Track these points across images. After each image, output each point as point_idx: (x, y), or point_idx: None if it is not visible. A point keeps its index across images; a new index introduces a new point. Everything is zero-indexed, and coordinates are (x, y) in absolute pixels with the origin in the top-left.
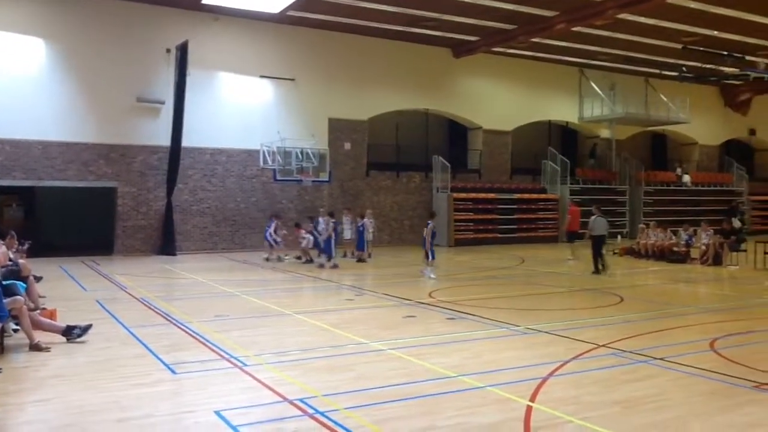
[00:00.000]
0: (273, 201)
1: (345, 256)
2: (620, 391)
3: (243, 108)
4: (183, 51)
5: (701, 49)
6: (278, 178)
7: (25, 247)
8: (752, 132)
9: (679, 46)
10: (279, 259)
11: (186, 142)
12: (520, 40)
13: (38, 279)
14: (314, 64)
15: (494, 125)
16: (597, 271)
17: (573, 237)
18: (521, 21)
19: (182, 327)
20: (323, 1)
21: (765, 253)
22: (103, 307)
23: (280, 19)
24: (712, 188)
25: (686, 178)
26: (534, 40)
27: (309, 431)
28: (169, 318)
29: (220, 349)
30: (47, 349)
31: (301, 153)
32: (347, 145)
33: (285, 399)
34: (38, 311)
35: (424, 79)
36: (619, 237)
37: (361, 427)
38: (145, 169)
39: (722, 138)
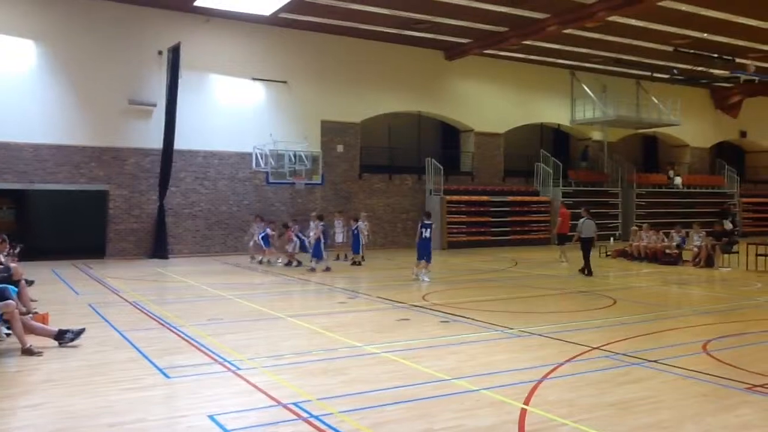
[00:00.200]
0: (266, 204)
1: (338, 258)
2: (614, 393)
3: (235, 110)
4: (175, 53)
5: (692, 51)
6: (271, 180)
7: (17, 250)
8: (743, 134)
9: (670, 49)
10: (269, 263)
11: (178, 144)
12: (512, 42)
13: (30, 283)
14: (307, 67)
15: (487, 127)
16: (590, 273)
17: (563, 239)
18: (513, 23)
19: (175, 331)
20: (315, 4)
21: (757, 254)
22: (96, 310)
23: (273, 21)
24: (703, 190)
25: (678, 180)
26: (526, 42)
27: None
28: (162, 322)
29: (214, 353)
30: (39, 354)
31: (294, 156)
32: (340, 148)
33: (279, 403)
34: (30, 315)
35: (417, 82)
36: (611, 239)
37: (356, 430)
38: (137, 172)
39: (713, 140)
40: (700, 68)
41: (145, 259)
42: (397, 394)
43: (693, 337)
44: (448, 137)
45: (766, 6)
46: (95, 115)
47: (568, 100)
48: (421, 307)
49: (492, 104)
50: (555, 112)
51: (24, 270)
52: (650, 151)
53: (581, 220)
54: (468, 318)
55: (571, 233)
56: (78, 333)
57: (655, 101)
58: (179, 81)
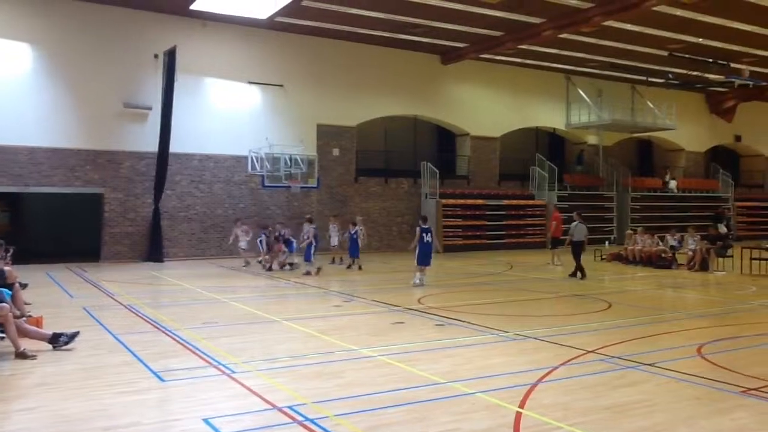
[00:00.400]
0: (261, 207)
1: (333, 262)
2: (609, 396)
3: (231, 114)
4: (171, 56)
5: (687, 56)
6: (267, 184)
7: (11, 253)
8: (738, 138)
9: (665, 53)
10: (254, 264)
11: (174, 147)
12: (508, 46)
13: (24, 286)
14: (303, 70)
15: (482, 131)
16: (583, 276)
17: (556, 243)
18: (509, 28)
19: (170, 334)
20: (311, 8)
21: (751, 258)
22: (90, 314)
23: (269, 25)
24: (698, 194)
25: (673, 184)
26: (521, 46)
27: None
28: (156, 325)
29: (209, 357)
30: (33, 357)
31: (290, 159)
32: (336, 151)
33: (274, 406)
34: (24, 318)
35: (413, 86)
36: (606, 243)
37: None
38: (132, 175)
39: (708, 144)
40: (695, 73)
41: (140, 262)
42: (393, 398)
43: (688, 341)
44: (444, 141)
45: (760, 11)
46: (91, 118)
47: (563, 104)
48: (416, 310)
49: (488, 108)
50: (550, 116)
51: (18, 273)
52: (645, 155)
53: (573, 223)
54: (463, 321)
55: (564, 237)
56: (72, 336)
57: (650, 105)
58: (175, 84)
